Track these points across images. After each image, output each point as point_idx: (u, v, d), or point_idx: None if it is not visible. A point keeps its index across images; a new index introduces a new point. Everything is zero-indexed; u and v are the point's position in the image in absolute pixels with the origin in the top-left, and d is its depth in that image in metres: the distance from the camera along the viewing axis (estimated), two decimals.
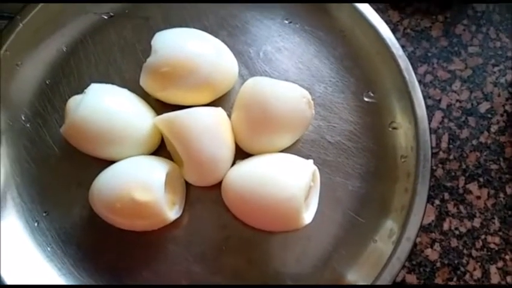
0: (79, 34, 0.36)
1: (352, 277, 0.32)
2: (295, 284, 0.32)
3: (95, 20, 0.36)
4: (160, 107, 0.33)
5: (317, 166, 0.32)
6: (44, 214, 0.33)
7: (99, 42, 0.36)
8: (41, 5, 0.35)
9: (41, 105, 0.34)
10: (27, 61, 0.35)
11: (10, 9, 0.35)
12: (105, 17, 0.37)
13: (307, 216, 0.31)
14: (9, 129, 0.34)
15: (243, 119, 0.32)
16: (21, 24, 0.34)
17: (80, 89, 0.32)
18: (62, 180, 0.33)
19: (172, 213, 0.31)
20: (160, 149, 0.33)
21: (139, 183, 0.29)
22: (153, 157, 0.32)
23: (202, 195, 0.33)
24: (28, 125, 0.34)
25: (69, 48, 0.36)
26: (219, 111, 0.31)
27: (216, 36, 0.34)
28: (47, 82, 0.35)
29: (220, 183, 0.32)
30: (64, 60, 0.35)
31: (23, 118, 0.34)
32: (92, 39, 0.36)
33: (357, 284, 0.32)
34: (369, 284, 0.31)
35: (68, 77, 0.35)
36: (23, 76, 0.35)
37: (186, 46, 0.31)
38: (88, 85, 0.32)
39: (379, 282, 0.31)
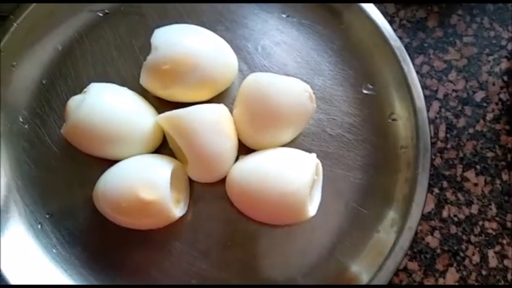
0: (74, 33, 0.35)
1: (356, 267, 0.33)
2: (301, 277, 0.32)
3: (89, 18, 0.36)
4: (160, 104, 0.33)
5: (318, 159, 0.32)
6: (47, 216, 0.32)
7: (95, 40, 0.35)
8: (34, 4, 0.34)
9: (39, 105, 0.34)
10: (23, 62, 0.34)
11: (3, 9, 0.34)
12: (100, 15, 0.36)
13: (312, 209, 0.31)
14: (8, 131, 0.33)
15: (245, 114, 0.32)
16: (15, 24, 0.33)
17: (78, 89, 0.32)
18: (63, 181, 0.33)
19: (177, 211, 0.31)
20: (162, 147, 0.33)
21: (144, 182, 0.29)
22: (157, 155, 0.32)
23: (206, 192, 0.33)
24: (26, 127, 0.34)
25: (64, 47, 0.35)
26: (221, 108, 0.31)
27: (214, 31, 0.34)
28: (44, 82, 0.34)
29: (223, 179, 0.32)
30: (60, 60, 0.35)
31: (21, 120, 0.34)
32: (87, 37, 0.35)
33: (361, 274, 0.32)
34: (374, 272, 0.31)
35: (65, 77, 0.34)
36: (19, 77, 0.34)
37: (186, 43, 0.31)
38: (86, 84, 0.31)
39: (383, 271, 0.31)
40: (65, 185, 0.33)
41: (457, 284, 0.36)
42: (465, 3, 0.41)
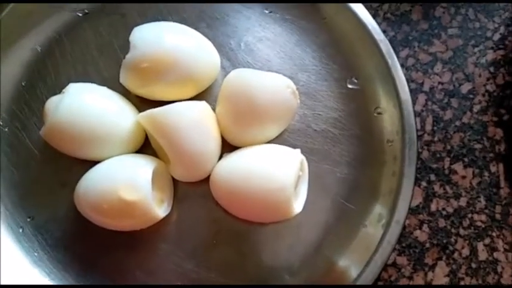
0: (53, 33, 0.35)
1: (344, 263, 0.32)
2: (289, 275, 0.32)
3: (69, 18, 0.35)
4: (142, 103, 0.32)
5: (304, 155, 0.32)
6: (28, 219, 0.32)
7: (74, 40, 0.35)
8: (11, 4, 0.33)
9: (18, 108, 0.33)
10: (1, 63, 0.34)
11: None
12: (80, 14, 0.35)
13: (297, 205, 0.31)
14: None
15: (228, 111, 0.31)
16: None
17: (58, 90, 0.32)
18: (44, 183, 0.32)
19: (161, 211, 0.30)
20: (145, 147, 0.33)
21: (125, 182, 0.28)
22: (138, 155, 0.31)
23: (190, 191, 0.33)
24: (6, 130, 0.33)
25: (44, 48, 0.35)
26: (203, 105, 0.31)
27: (195, 28, 0.33)
28: (23, 84, 0.34)
29: (207, 178, 0.32)
30: (39, 61, 0.34)
31: (1, 123, 0.33)
32: (67, 37, 0.35)
33: (349, 270, 0.32)
34: (362, 267, 0.31)
35: (45, 78, 0.34)
36: None
37: (165, 40, 0.31)
38: (66, 85, 0.31)
39: (371, 266, 0.31)
40: (46, 187, 0.32)
41: (446, 277, 0.36)
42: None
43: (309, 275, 0.32)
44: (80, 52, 0.35)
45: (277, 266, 0.32)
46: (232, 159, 0.31)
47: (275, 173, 0.30)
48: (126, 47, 0.31)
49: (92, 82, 0.32)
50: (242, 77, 0.31)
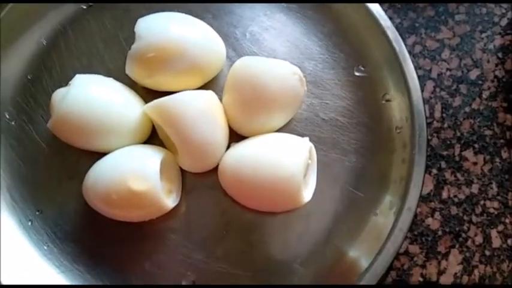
0: (58, 25, 0.35)
1: (355, 252, 0.32)
2: (299, 265, 0.32)
3: (73, 10, 0.35)
4: (148, 94, 0.32)
5: (312, 144, 0.31)
6: (37, 212, 0.32)
7: (79, 32, 0.35)
8: None
9: (25, 101, 0.33)
10: (6, 57, 0.33)
11: None
12: (84, 7, 0.35)
13: (307, 194, 0.30)
14: None
15: (234, 100, 0.31)
16: None
17: (64, 82, 0.31)
18: (53, 176, 0.32)
19: (169, 202, 0.30)
20: (152, 138, 0.32)
21: (134, 173, 0.28)
22: (146, 146, 0.31)
23: (199, 182, 0.32)
24: (13, 123, 0.33)
25: (49, 40, 0.34)
26: (209, 94, 0.31)
27: (201, 19, 0.33)
28: (29, 77, 0.34)
29: (215, 168, 0.31)
30: (45, 53, 0.34)
31: (7, 116, 0.33)
32: (72, 30, 0.35)
33: (360, 259, 0.31)
34: (373, 256, 0.31)
35: (50, 70, 0.34)
36: (3, 73, 0.33)
37: (171, 30, 0.31)
38: (71, 77, 0.31)
39: (383, 255, 0.31)
40: (54, 180, 0.32)
41: (460, 265, 0.35)
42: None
43: (319, 265, 0.32)
44: (85, 44, 0.34)
45: (287, 256, 0.32)
46: (240, 148, 0.31)
47: (284, 161, 0.29)
48: (131, 39, 0.31)
49: (97, 74, 0.32)
50: (248, 65, 0.31)
